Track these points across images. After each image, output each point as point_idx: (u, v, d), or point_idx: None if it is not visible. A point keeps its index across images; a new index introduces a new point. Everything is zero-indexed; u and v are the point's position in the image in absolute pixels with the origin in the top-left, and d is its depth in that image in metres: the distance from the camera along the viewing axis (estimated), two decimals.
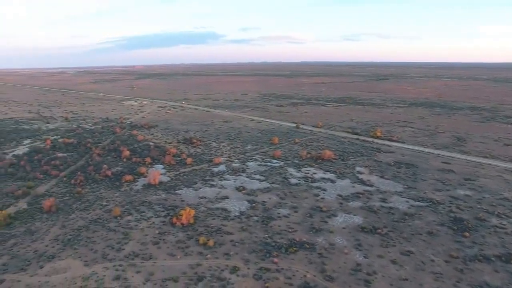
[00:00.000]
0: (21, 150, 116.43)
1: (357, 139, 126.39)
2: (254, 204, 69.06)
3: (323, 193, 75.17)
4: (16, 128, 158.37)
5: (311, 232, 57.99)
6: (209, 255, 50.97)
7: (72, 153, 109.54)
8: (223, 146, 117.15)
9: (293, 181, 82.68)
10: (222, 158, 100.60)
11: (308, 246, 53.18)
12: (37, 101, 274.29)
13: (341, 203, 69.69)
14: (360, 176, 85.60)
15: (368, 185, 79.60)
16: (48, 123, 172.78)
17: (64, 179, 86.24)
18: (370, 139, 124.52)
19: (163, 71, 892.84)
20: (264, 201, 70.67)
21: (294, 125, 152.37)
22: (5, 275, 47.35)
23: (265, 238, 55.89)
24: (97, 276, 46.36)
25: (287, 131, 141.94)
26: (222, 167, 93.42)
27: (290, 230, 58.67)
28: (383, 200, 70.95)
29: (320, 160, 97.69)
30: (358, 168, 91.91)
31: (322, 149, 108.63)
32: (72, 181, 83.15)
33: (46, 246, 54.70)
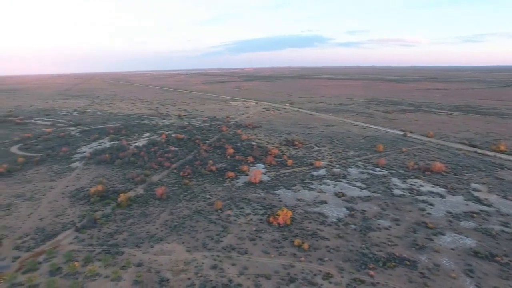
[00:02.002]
0: (141, 142, 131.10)
1: (475, 152, 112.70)
2: (352, 212, 66.52)
3: (430, 208, 68.73)
4: (138, 122, 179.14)
5: (413, 248, 53.50)
6: (302, 258, 50.62)
7: (182, 148, 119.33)
8: (324, 150, 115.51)
9: (397, 192, 77.42)
10: (323, 162, 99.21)
11: (408, 263, 49.19)
12: (157, 100, 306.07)
13: (450, 221, 62.82)
14: (476, 194, 76.10)
15: (485, 205, 70.30)
16: (164, 119, 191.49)
17: (175, 170, 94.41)
18: (492, 153, 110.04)
19: (270, 74, 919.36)
20: (363, 210, 67.59)
21: (402, 133, 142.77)
22: (124, 249, 54.27)
23: (362, 248, 53.39)
24: (197, 263, 49.79)
25: (393, 139, 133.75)
26: (322, 171, 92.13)
27: (390, 243, 55.04)
28: (505, 224, 61.83)
29: (429, 172, 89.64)
30: (474, 185, 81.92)
31: (432, 160, 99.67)
32: (181, 173, 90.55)
33: (157, 229, 60.67)
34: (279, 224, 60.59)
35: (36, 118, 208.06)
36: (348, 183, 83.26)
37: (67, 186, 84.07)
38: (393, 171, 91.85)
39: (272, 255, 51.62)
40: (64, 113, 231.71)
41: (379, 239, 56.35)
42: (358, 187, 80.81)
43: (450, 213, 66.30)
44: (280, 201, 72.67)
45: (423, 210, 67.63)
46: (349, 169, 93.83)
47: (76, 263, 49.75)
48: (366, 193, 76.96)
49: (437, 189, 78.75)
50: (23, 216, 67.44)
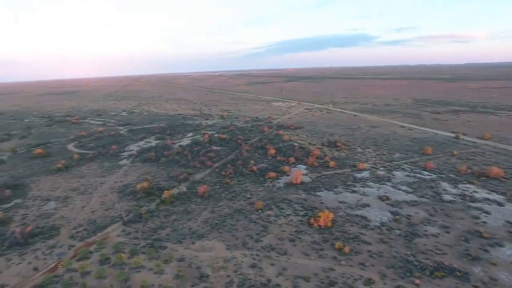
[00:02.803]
0: (185, 141, 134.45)
1: None
2: (397, 217, 63.86)
3: (486, 216, 64.13)
4: (182, 123, 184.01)
5: (465, 259, 50.18)
6: (343, 262, 49.38)
7: (224, 148, 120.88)
8: (368, 152, 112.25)
9: (447, 197, 73.32)
10: (367, 164, 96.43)
11: (459, 274, 46.25)
12: (200, 100, 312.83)
13: (510, 232, 58.21)
14: None
15: None
16: (207, 119, 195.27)
17: (216, 170, 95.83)
18: None
19: (312, 74, 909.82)
20: (409, 215, 64.68)
21: (453, 135, 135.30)
22: (167, 243, 55.90)
23: (406, 255, 51.06)
24: (236, 261, 50.15)
25: (443, 141, 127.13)
26: (365, 174, 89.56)
27: (438, 251, 52.16)
28: None
29: (484, 178, 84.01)
30: None
31: (488, 165, 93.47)
32: (223, 173, 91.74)
33: (198, 226, 61.91)
34: (319, 226, 59.56)
35: (89, 118, 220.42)
36: (393, 187, 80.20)
37: (115, 182, 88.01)
38: (443, 175, 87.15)
39: (312, 257, 50.84)
40: (114, 113, 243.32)
41: (425, 246, 53.62)
42: (403, 191, 77.60)
43: (510, 223, 61.50)
44: (322, 202, 71.48)
45: (477, 218, 63.27)
46: (394, 172, 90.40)
47: (123, 254, 51.96)
48: (412, 197, 73.66)
49: (494, 196, 73.37)
50: (78, 208, 71.60)
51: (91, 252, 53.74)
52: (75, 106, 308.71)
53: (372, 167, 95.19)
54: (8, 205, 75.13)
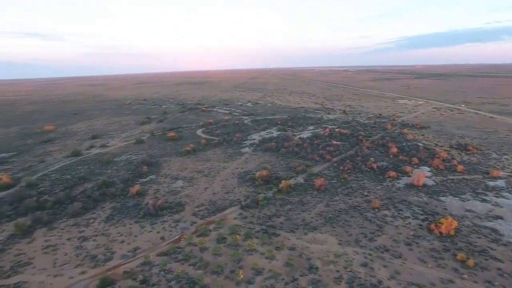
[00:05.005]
0: (305, 134, 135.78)
1: None
2: None
3: None
4: (304, 116, 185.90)
5: None
6: (466, 276, 44.16)
7: (344, 143, 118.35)
8: (505, 158, 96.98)
9: None
10: (502, 172, 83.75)
11: None
12: (323, 95, 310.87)
13: None
14: None
15: None
16: (328, 113, 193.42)
17: (335, 164, 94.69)
18: None
19: (443, 71, 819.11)
20: None
21: None
22: (280, 231, 57.71)
23: None
24: (347, 257, 49.13)
25: None
26: (500, 182, 77.93)
27: None
28: None
29: None
30: None
31: None
32: (341, 168, 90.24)
33: (312, 218, 62.36)
34: (441, 233, 54.25)
35: (217, 107, 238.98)
36: None
37: (236, 168, 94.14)
38: None
39: (430, 265, 46.69)
40: (240, 103, 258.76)
41: None
42: None
43: None
44: (445, 208, 64.84)
45: None
46: None
47: (238, 236, 55.56)
48: None
49: None
50: (201, 189, 78.96)
51: (210, 230, 58.65)
52: (205, 95, 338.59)
53: (509, 175, 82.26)
54: (144, 180, 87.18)
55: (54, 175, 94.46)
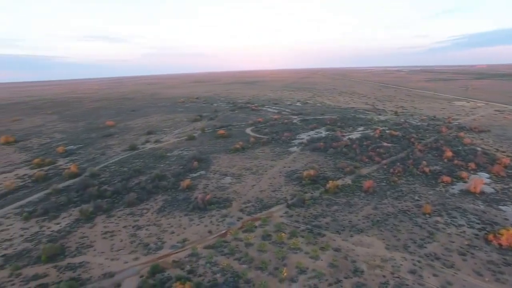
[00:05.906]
0: (355, 135, 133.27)
1: None
2: None
3: None
4: (354, 116, 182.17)
5: None
6: None
7: (395, 145, 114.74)
8: None
9: None
10: None
11: None
12: (374, 95, 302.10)
13: None
14: None
15: None
16: (379, 115, 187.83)
17: (384, 166, 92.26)
18: None
19: (508, 71, 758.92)
20: None
21: None
22: (326, 232, 57.63)
23: None
24: (394, 262, 47.99)
25: None
26: None
27: None
28: None
29: None
30: None
31: None
32: (391, 170, 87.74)
33: (358, 220, 61.53)
34: (500, 245, 51.17)
35: (267, 106, 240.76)
36: None
37: (284, 167, 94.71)
38: None
39: (486, 279, 44.23)
40: (289, 103, 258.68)
41: None
42: None
43: None
44: (506, 219, 60.90)
45: None
46: None
47: (283, 234, 56.25)
48: None
49: None
50: (248, 186, 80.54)
51: (255, 227, 59.85)
52: (255, 94, 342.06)
53: None
54: (195, 175, 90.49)
55: (113, 167, 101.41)
